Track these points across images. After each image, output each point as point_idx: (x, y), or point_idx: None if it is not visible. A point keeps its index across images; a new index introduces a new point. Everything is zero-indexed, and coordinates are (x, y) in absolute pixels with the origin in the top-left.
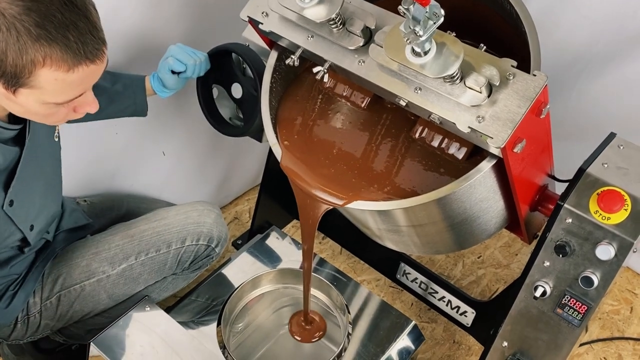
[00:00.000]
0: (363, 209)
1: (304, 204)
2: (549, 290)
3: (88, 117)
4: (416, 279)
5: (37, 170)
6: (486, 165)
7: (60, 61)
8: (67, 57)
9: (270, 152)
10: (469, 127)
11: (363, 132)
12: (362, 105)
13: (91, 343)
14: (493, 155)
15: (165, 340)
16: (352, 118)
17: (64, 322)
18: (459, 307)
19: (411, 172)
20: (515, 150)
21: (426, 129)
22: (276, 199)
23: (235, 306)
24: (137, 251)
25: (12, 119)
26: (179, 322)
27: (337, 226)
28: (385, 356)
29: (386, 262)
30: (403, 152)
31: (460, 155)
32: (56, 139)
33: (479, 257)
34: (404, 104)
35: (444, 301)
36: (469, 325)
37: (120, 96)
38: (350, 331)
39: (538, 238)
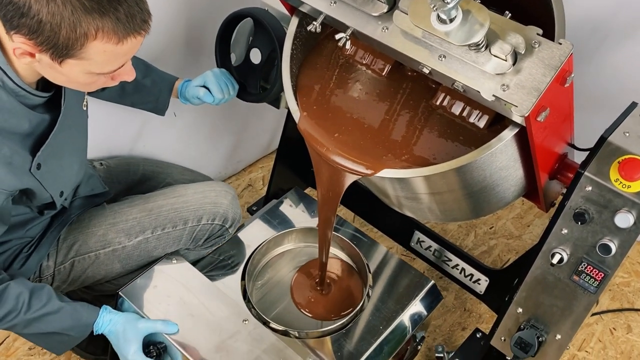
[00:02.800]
0: (387, 177)
1: (326, 175)
2: (565, 258)
3: (110, 98)
4: (430, 246)
5: (67, 138)
6: (508, 134)
7: (111, 34)
8: (117, 29)
9: (287, 119)
10: (494, 96)
11: (383, 101)
12: (383, 73)
13: (120, 292)
14: (515, 124)
15: (192, 292)
16: (372, 86)
17: (75, 286)
18: (472, 275)
19: (431, 141)
20: (538, 118)
21: (447, 97)
22: (291, 166)
23: (258, 262)
24: (154, 225)
25: (42, 86)
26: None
27: (350, 193)
28: (404, 313)
29: (400, 230)
30: (423, 121)
31: (481, 123)
32: (84, 108)
33: (491, 228)
34: (427, 71)
35: (458, 269)
36: (482, 293)
37: (145, 90)
38: (370, 293)
39: (556, 206)
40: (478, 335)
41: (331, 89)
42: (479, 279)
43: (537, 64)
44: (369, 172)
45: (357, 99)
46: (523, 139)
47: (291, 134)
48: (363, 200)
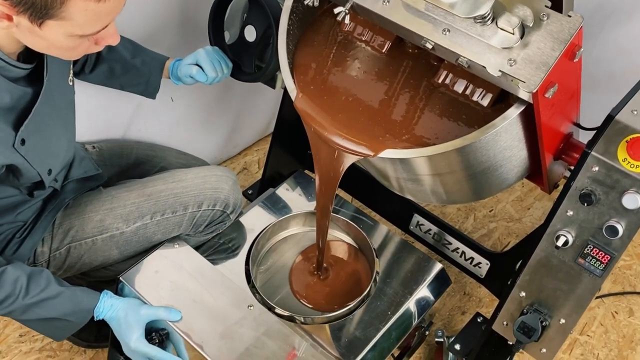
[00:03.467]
0: (389, 158)
1: (325, 156)
2: (571, 240)
3: (98, 80)
4: (430, 230)
5: (52, 113)
6: (513, 112)
7: None
8: None
9: (284, 100)
10: (500, 71)
11: (383, 79)
12: (383, 49)
13: (120, 278)
14: (522, 101)
15: (194, 277)
16: (372, 64)
17: (71, 273)
18: (472, 259)
19: (433, 120)
20: (546, 95)
21: (450, 75)
22: (288, 149)
23: (263, 247)
24: (152, 211)
25: (23, 58)
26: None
27: (347, 176)
28: (412, 298)
29: (399, 213)
30: (424, 100)
31: (485, 102)
32: (70, 83)
33: (490, 211)
34: (430, 46)
35: (458, 252)
36: (482, 277)
37: (135, 71)
38: (377, 278)
39: (560, 188)
40: (479, 320)
41: (329, 67)
42: (479, 263)
43: (545, 38)
44: (370, 152)
45: (356, 77)
46: (528, 117)
47: (287, 115)
48: (360, 183)
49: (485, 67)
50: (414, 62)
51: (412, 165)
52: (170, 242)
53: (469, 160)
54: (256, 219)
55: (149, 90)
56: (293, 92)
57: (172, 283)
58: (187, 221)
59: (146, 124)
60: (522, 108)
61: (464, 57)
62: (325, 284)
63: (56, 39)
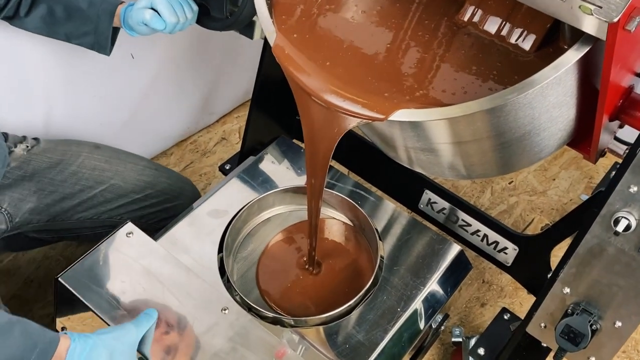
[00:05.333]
0: (399, 121)
1: (316, 120)
2: (634, 224)
3: (35, 27)
4: (444, 209)
5: None
6: (573, 56)
7: None
8: None
9: (264, 53)
10: None
11: (390, 19)
12: None
13: (59, 279)
14: (585, 40)
15: (152, 274)
16: (376, 1)
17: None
18: (497, 243)
19: (456, 72)
20: (628, 27)
21: (479, 10)
22: (271, 113)
23: (240, 231)
24: None
25: None
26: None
27: (342, 144)
28: (426, 290)
29: (406, 189)
30: (445, 45)
31: (527, 44)
32: None
33: (510, 183)
34: None
35: (479, 235)
36: (509, 264)
37: (80, 15)
38: (382, 265)
39: (624, 155)
40: (505, 317)
41: (319, 6)
42: (505, 248)
43: None
44: (377, 115)
45: (355, 18)
46: (589, 63)
47: (269, 71)
48: (358, 152)
49: None
50: None
51: (428, 131)
52: (122, 232)
53: (505, 123)
54: (231, 196)
55: (99, 42)
56: (272, 35)
57: (126, 283)
58: None
59: (102, 90)
60: (586, 50)
61: None
62: (316, 280)
63: None
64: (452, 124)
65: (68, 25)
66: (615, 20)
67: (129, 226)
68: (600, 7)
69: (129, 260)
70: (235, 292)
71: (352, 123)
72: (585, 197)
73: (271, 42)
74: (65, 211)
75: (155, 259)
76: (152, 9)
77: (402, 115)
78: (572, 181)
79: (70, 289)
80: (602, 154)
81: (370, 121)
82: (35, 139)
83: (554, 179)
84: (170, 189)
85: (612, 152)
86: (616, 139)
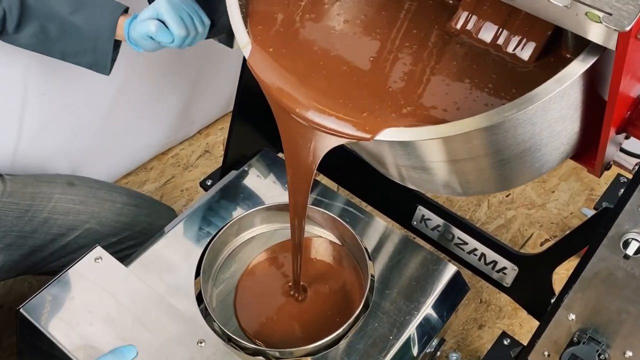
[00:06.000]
0: (387, 141)
1: (295, 138)
2: None
3: (27, 43)
4: (438, 226)
5: None
6: (579, 68)
7: None
8: None
9: (245, 64)
10: None
11: (376, 29)
12: None
13: (21, 310)
14: (592, 49)
15: (122, 303)
16: (360, 8)
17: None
18: (495, 263)
19: (449, 84)
20: None
21: (473, 17)
22: (255, 124)
23: (219, 253)
24: None
25: None
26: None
27: (330, 158)
28: (421, 314)
29: (398, 205)
30: (436, 55)
31: (525, 54)
32: None
33: (507, 196)
34: None
35: (476, 254)
36: (508, 285)
37: (77, 32)
38: (372, 289)
39: (634, 170)
40: (506, 342)
41: (299, 14)
42: (504, 268)
43: None
44: (363, 134)
45: (338, 28)
46: (595, 74)
47: (251, 80)
48: (348, 166)
49: None
50: (419, 3)
51: (419, 149)
52: (90, 257)
53: (504, 140)
54: (211, 215)
55: (99, 60)
56: (246, 47)
57: (94, 313)
58: None
59: (70, 101)
60: (593, 61)
61: None
62: (301, 306)
63: None
64: (446, 143)
65: (63, 43)
66: (628, 29)
67: (98, 251)
68: (610, 15)
69: (97, 288)
70: (213, 321)
71: (334, 143)
72: (587, 211)
73: (246, 55)
74: (34, 264)
75: (126, 287)
76: (159, 19)
77: (390, 134)
78: (572, 193)
79: (33, 321)
80: (608, 167)
81: (354, 141)
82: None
83: (553, 191)
84: (151, 228)
85: (618, 164)
86: (622, 150)
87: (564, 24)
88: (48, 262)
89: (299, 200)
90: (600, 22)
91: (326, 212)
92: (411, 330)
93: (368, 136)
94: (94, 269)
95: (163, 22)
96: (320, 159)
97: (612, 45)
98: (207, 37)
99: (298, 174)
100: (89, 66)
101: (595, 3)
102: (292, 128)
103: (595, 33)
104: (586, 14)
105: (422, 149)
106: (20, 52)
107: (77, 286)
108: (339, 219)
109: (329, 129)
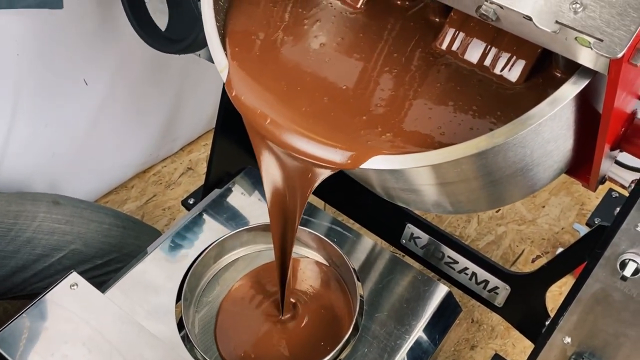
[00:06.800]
0: (372, 169)
1: (277, 170)
2: None
3: None
4: (428, 245)
5: None
6: (571, 91)
7: None
8: None
9: None
10: (558, 23)
11: (358, 50)
12: (358, 3)
13: None
14: (584, 72)
15: (100, 332)
16: (341, 27)
17: None
18: (487, 282)
19: (434, 107)
20: (633, 61)
21: (460, 35)
22: (238, 142)
23: (201, 277)
24: None
25: None
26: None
27: None
28: (412, 338)
29: (387, 222)
30: (420, 77)
31: (513, 75)
32: None
33: (497, 212)
34: None
35: (467, 274)
36: (500, 306)
37: None
38: (362, 312)
39: (631, 188)
40: None
41: (280, 34)
42: (496, 287)
43: None
44: (345, 162)
45: (320, 48)
46: (588, 94)
47: None
48: (333, 183)
49: (530, 18)
50: (404, 22)
51: (407, 175)
52: (65, 284)
53: (494, 163)
54: (193, 236)
55: None
56: (223, 70)
57: (69, 344)
58: None
59: (49, 120)
60: (585, 83)
61: (491, 3)
62: (287, 331)
63: None
64: (434, 168)
65: None
66: (619, 56)
67: (74, 277)
68: (601, 41)
69: (73, 317)
70: (195, 348)
71: (320, 175)
72: (578, 227)
73: (223, 78)
74: (16, 285)
75: (103, 315)
76: None
77: (374, 163)
78: (562, 208)
79: (4, 353)
80: (603, 181)
81: (336, 170)
82: None
83: (544, 206)
84: (138, 251)
85: (612, 180)
86: (617, 162)
87: (553, 48)
88: (31, 283)
89: (286, 248)
90: (591, 48)
91: (312, 231)
92: (402, 355)
93: (353, 164)
94: (70, 296)
95: None
96: (310, 192)
97: (604, 69)
98: (188, 52)
99: (285, 225)
100: (39, 4)
101: (586, 29)
102: (274, 161)
103: (586, 57)
104: (576, 38)
105: (409, 174)
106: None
107: (52, 315)
108: (325, 238)
109: (311, 157)
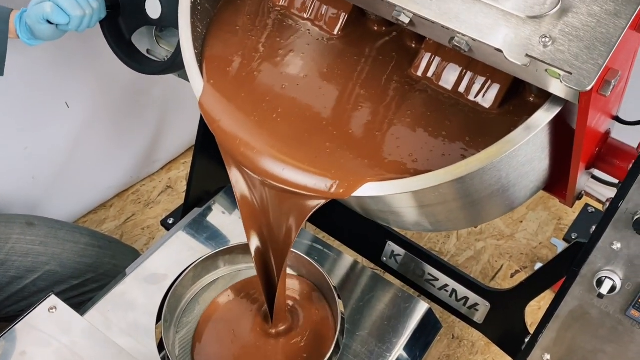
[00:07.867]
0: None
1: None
2: (619, 284)
3: None
4: (408, 262)
5: None
6: (544, 119)
7: None
8: None
9: None
10: (528, 56)
11: (335, 75)
12: (335, 29)
13: None
14: (556, 101)
15: (80, 356)
16: (319, 54)
17: None
18: (467, 299)
19: (411, 134)
20: (602, 91)
21: (436, 60)
22: (218, 160)
23: (181, 298)
24: None
25: None
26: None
27: None
28: (394, 356)
29: (367, 240)
30: (396, 104)
31: (487, 102)
32: None
33: (476, 227)
34: (406, 20)
35: (447, 290)
36: (480, 322)
37: None
38: (343, 330)
39: (606, 206)
40: None
41: (257, 60)
42: (476, 304)
43: None
44: (323, 191)
45: (297, 74)
46: (562, 119)
47: None
48: None
49: (501, 51)
50: (381, 46)
51: (384, 199)
52: (44, 307)
53: (471, 186)
54: (172, 257)
55: None
56: (199, 91)
57: None
58: None
59: (29, 143)
60: (558, 110)
61: (464, 35)
62: (267, 350)
63: None
64: (412, 194)
65: None
66: (588, 89)
67: (52, 300)
68: (570, 74)
69: (51, 341)
70: None
71: (309, 206)
72: (556, 241)
73: (197, 97)
74: None
75: (83, 338)
76: (50, 1)
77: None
78: (540, 223)
79: None
80: (580, 197)
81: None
82: None
83: (522, 221)
84: (115, 270)
85: (589, 195)
86: (594, 177)
87: (525, 78)
88: (5, 305)
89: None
90: (561, 81)
91: (293, 250)
92: None
93: (336, 191)
94: (48, 320)
95: (58, 6)
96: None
97: (574, 99)
98: (168, 73)
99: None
100: None
101: (555, 62)
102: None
103: (557, 87)
104: (546, 70)
105: (387, 199)
106: None
107: (29, 339)
108: (306, 257)
109: (287, 184)
